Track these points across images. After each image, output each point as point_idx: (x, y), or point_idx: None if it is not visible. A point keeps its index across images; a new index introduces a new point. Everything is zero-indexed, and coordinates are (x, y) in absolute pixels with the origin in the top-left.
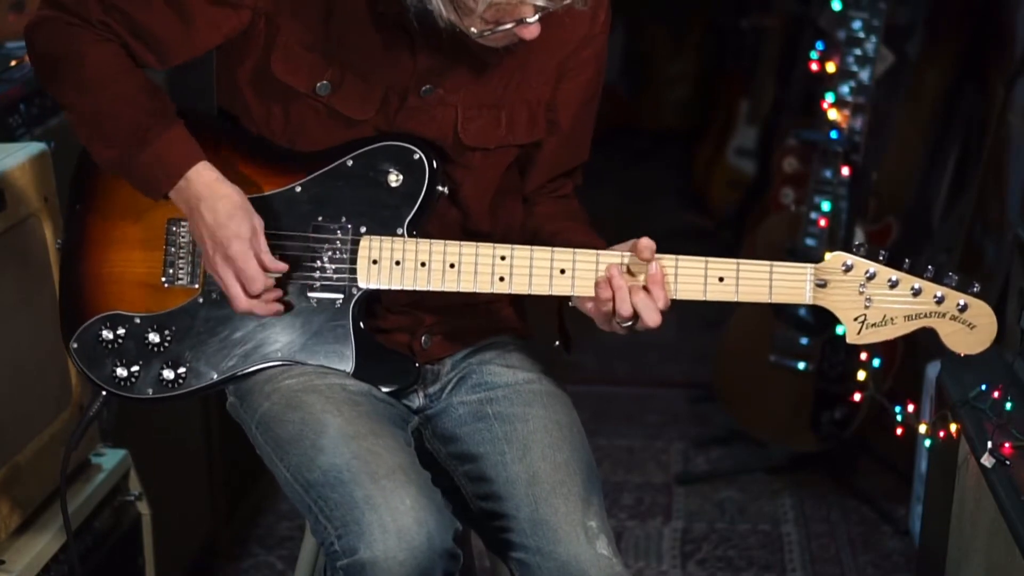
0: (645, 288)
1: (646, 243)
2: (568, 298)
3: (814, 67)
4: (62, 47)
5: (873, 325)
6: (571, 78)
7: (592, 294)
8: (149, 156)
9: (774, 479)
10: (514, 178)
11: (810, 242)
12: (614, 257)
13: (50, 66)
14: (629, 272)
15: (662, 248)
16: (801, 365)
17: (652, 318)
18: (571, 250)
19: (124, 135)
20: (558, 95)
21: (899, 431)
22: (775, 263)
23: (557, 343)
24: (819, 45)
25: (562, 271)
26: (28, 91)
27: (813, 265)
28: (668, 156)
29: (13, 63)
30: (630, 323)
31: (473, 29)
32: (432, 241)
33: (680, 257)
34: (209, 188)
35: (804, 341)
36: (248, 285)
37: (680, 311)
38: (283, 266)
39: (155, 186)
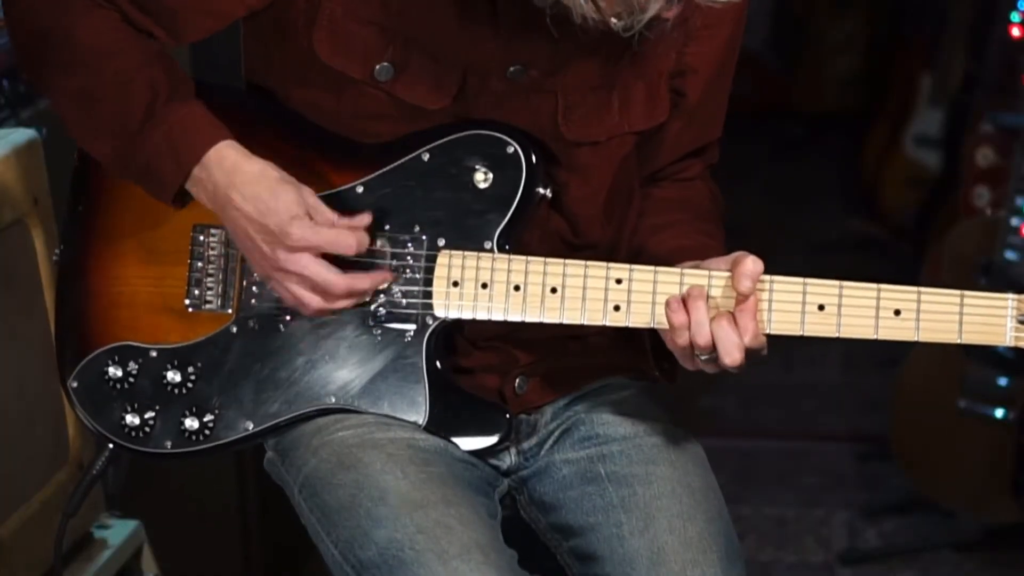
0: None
1: (750, 268)
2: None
3: (1015, 32)
4: (46, 21)
5: None
6: (704, 39)
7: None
8: (156, 141)
9: (965, 558)
10: (631, 172)
11: (1011, 255)
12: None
13: (33, 45)
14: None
15: (819, 261)
16: (999, 413)
17: (730, 355)
18: (705, 272)
19: (124, 120)
20: (686, 60)
21: None
22: (966, 292)
23: (658, 373)
24: (1021, 5)
25: None
26: (13, 63)
27: (1016, 296)
28: (829, 146)
29: None
30: (708, 357)
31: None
32: (529, 259)
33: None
34: (235, 170)
35: (1002, 382)
36: (336, 249)
37: (845, 346)
38: (363, 219)
39: (163, 179)
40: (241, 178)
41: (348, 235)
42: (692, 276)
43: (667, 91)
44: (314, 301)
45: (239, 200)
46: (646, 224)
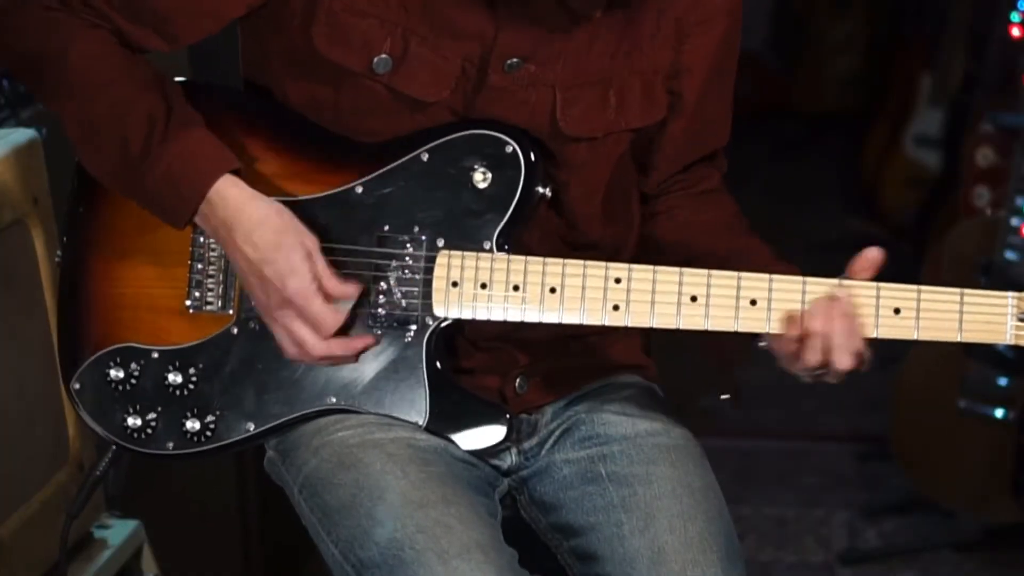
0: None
1: (875, 255)
2: (753, 339)
3: (1015, 32)
4: (39, 41)
5: None
6: (697, 35)
7: (729, 327)
8: (157, 177)
9: (965, 558)
10: (628, 171)
11: (1011, 255)
12: (759, 282)
13: (27, 66)
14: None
15: (818, 261)
16: (999, 412)
17: (841, 361)
18: (704, 272)
19: (124, 153)
20: (682, 59)
21: None
22: (966, 291)
23: (726, 396)
24: (1021, 5)
25: (693, 298)
26: None
27: (1016, 294)
28: (829, 146)
29: None
30: (820, 372)
31: None
32: (528, 259)
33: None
34: (239, 212)
35: (1002, 382)
36: (317, 328)
37: None
38: (352, 290)
39: (172, 213)
40: (244, 221)
41: (332, 317)
42: (690, 275)
43: (664, 90)
44: (292, 351)
45: (240, 242)
46: (707, 253)
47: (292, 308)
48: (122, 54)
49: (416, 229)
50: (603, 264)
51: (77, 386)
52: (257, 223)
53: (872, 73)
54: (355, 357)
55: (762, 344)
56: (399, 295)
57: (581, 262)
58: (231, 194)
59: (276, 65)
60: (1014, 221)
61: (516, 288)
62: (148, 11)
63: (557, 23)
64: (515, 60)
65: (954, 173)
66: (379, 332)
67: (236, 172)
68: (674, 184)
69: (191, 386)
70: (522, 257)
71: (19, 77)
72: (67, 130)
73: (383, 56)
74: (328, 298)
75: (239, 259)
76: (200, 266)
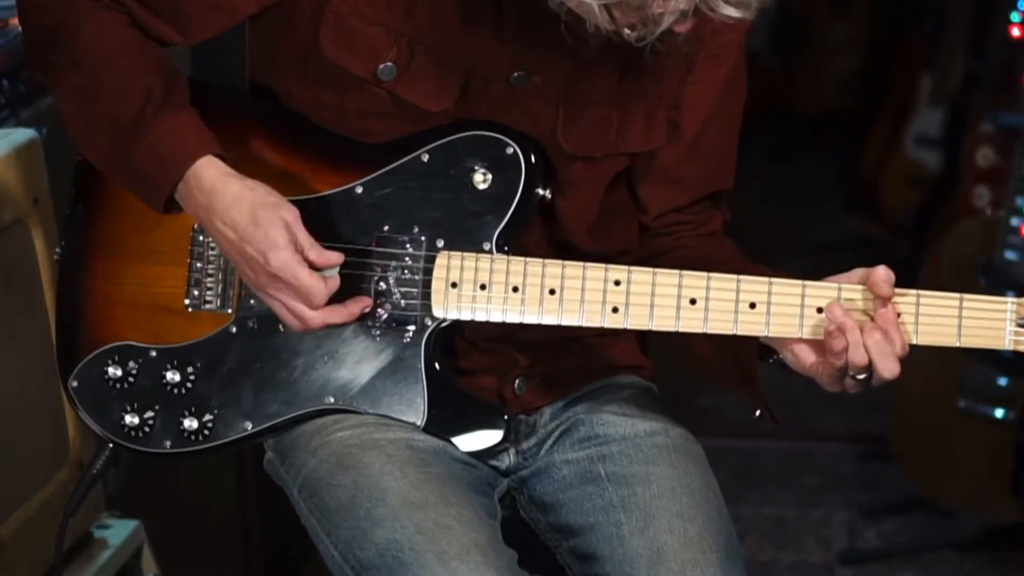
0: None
1: (886, 273)
2: (762, 355)
3: (1015, 32)
4: (55, 17)
5: None
6: (705, 70)
7: (728, 330)
8: (144, 149)
9: (965, 558)
10: (624, 195)
11: (1010, 255)
12: (758, 284)
13: (40, 41)
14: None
15: (818, 261)
16: (999, 412)
17: (889, 369)
18: (704, 274)
19: (117, 122)
20: (686, 90)
21: None
22: (965, 296)
23: (759, 412)
24: (1021, 5)
25: (692, 301)
26: (13, 63)
27: (1015, 300)
28: (829, 146)
29: None
30: (865, 375)
31: (628, 31)
32: (528, 260)
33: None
34: (213, 193)
35: (1002, 382)
36: (308, 298)
37: None
38: (335, 257)
39: (152, 187)
40: (219, 202)
41: (321, 285)
42: (690, 277)
43: (665, 119)
44: (293, 323)
45: (219, 223)
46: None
47: (280, 282)
48: (133, 34)
49: (416, 230)
50: (603, 266)
51: (75, 384)
52: (232, 201)
53: (872, 73)
54: (355, 317)
55: (772, 361)
56: (398, 295)
57: (581, 264)
58: (207, 174)
59: (283, 66)
60: (1014, 221)
61: (515, 289)
62: (163, 2)
63: (564, 41)
64: (521, 73)
65: (954, 173)
66: (377, 332)
67: (220, 158)
68: (676, 226)
69: (189, 385)
70: (522, 258)
71: (33, 50)
72: (66, 106)
73: (388, 64)
74: (314, 268)
75: (222, 241)
76: (199, 265)
